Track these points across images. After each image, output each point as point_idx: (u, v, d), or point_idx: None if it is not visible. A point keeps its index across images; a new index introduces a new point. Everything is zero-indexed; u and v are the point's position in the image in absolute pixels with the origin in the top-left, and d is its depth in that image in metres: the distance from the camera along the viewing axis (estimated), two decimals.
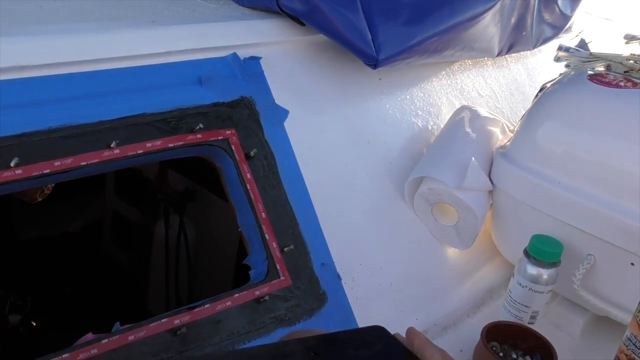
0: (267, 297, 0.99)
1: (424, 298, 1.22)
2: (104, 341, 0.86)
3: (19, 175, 0.85)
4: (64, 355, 0.82)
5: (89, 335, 0.89)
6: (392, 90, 1.38)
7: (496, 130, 1.40)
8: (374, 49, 1.17)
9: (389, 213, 1.27)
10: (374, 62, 1.19)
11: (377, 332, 0.67)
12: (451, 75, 1.57)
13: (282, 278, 1.03)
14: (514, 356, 1.08)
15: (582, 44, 1.75)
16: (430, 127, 1.43)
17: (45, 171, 0.88)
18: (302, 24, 1.19)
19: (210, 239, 2.24)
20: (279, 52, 1.20)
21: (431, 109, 1.46)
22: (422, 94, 1.46)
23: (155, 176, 2.23)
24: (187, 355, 0.90)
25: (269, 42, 1.19)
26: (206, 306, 0.94)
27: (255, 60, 1.15)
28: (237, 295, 0.97)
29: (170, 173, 2.20)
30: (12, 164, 0.84)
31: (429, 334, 1.16)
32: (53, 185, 1.47)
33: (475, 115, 1.41)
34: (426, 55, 1.30)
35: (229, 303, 0.96)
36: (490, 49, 1.55)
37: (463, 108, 1.46)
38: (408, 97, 1.42)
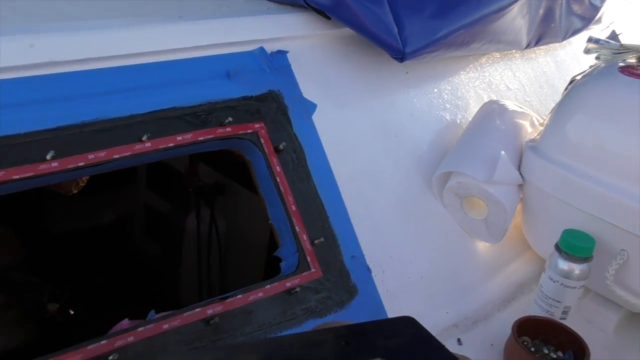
0: (298, 289, 1.00)
1: (454, 292, 1.22)
2: (139, 329, 0.88)
3: (55, 168, 0.88)
4: (101, 342, 0.84)
5: (125, 322, 0.92)
6: (419, 83, 1.38)
7: (525, 124, 1.39)
8: (400, 42, 1.16)
9: (418, 206, 1.27)
10: (400, 56, 1.18)
11: (407, 323, 0.67)
12: (479, 68, 1.56)
13: (312, 270, 1.03)
14: (546, 351, 1.07)
15: (613, 36, 1.71)
16: (458, 121, 1.42)
17: (79, 164, 0.90)
18: (328, 18, 1.19)
19: (240, 231, 2.26)
20: (306, 46, 1.21)
21: (459, 102, 1.45)
22: (449, 88, 1.45)
23: (186, 169, 2.25)
24: (221, 344, 0.91)
25: (296, 36, 1.19)
26: (238, 297, 0.96)
27: (282, 54, 1.15)
28: (268, 286, 0.98)
29: (201, 166, 2.22)
30: (48, 157, 0.87)
31: (459, 328, 1.16)
32: (88, 177, 1.50)
33: (503, 108, 1.40)
34: (453, 48, 1.29)
35: (260, 294, 0.97)
36: (518, 42, 1.53)
37: (491, 101, 1.45)
38: (436, 90, 1.41)
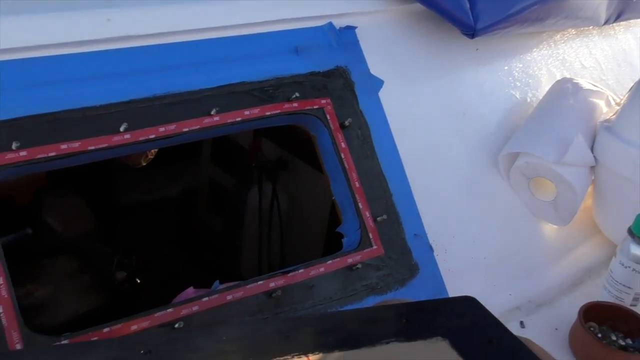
0: (359, 265, 1.01)
1: (518, 273, 1.20)
2: (204, 299, 0.90)
3: (127, 140, 0.90)
4: (168, 310, 0.87)
5: (190, 290, 0.94)
6: (489, 60, 1.34)
7: (600, 103, 1.34)
8: (471, 18, 1.14)
9: (484, 186, 1.25)
10: (471, 32, 1.16)
11: (468, 303, 0.66)
12: (552, 46, 1.50)
13: (374, 247, 1.03)
14: (614, 338, 1.04)
15: None
16: (529, 100, 1.38)
17: (150, 136, 0.92)
18: None
19: (301, 207, 2.28)
20: (375, 21, 1.19)
21: (530, 80, 1.41)
22: (521, 65, 1.41)
23: (250, 145, 2.28)
24: (282, 317, 0.93)
25: (365, 11, 1.18)
26: (300, 271, 0.97)
27: (350, 29, 1.14)
28: (330, 262, 0.99)
29: (264, 142, 2.25)
30: (121, 129, 0.89)
31: (523, 310, 1.15)
32: (156, 150, 1.54)
33: (577, 86, 1.35)
34: (526, 24, 1.25)
35: (322, 269, 0.98)
36: (596, 18, 1.47)
37: (564, 79, 1.40)
38: (506, 68, 1.37)
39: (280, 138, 2.22)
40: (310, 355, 0.55)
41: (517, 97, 1.36)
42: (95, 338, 0.83)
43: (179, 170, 2.85)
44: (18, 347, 0.79)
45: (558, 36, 1.52)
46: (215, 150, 2.65)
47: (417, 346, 0.59)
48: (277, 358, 0.54)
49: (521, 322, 1.12)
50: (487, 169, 1.26)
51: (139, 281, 1.77)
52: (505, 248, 1.21)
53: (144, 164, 1.61)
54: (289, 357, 0.55)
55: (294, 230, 2.33)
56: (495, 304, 0.67)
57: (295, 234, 2.33)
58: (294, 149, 2.19)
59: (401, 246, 1.06)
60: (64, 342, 0.81)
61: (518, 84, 1.38)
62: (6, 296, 0.79)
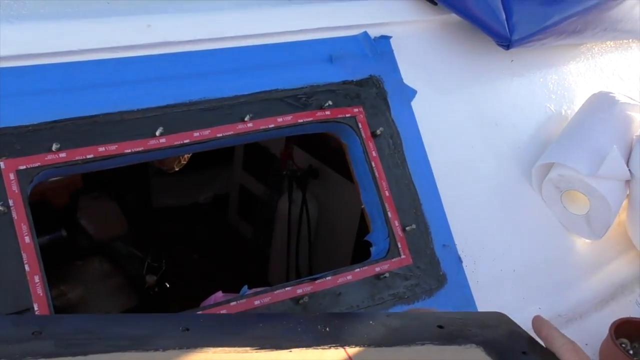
0: (387, 274, 1.01)
1: (548, 287, 1.18)
2: (232, 303, 0.91)
3: (162, 144, 0.92)
4: (197, 313, 0.88)
5: (219, 294, 0.95)
6: (524, 72, 1.33)
7: (637, 117, 1.32)
8: (507, 29, 1.13)
9: (515, 198, 1.24)
10: (507, 43, 1.15)
11: (500, 318, 0.67)
12: (590, 58, 1.49)
13: (402, 256, 1.03)
14: None
15: None
16: (563, 112, 1.37)
17: (185, 141, 0.94)
18: (435, 3, 1.18)
19: (330, 216, 2.28)
20: (410, 31, 1.20)
21: (566, 93, 1.39)
22: (556, 77, 1.39)
23: (281, 152, 2.30)
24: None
25: (400, 21, 1.19)
26: (328, 278, 0.97)
27: (385, 39, 1.15)
28: (357, 270, 0.99)
29: (296, 150, 2.26)
30: (157, 133, 0.91)
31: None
32: (190, 155, 1.56)
33: (614, 100, 1.33)
34: (563, 36, 1.24)
35: (349, 277, 0.98)
36: (636, 30, 1.45)
37: (601, 93, 1.38)
38: (541, 80, 1.36)
39: (312, 146, 2.24)
40: (347, 347, 0.57)
41: (552, 109, 1.35)
42: None
43: (211, 177, 2.89)
44: None
45: (596, 49, 1.51)
46: (247, 158, 2.68)
47: (451, 351, 0.60)
48: (316, 347, 0.55)
49: None
50: (518, 181, 1.25)
51: (168, 285, 1.78)
52: (535, 261, 1.20)
53: (177, 169, 1.63)
54: (326, 347, 0.56)
55: (323, 238, 2.34)
56: (524, 317, 0.67)
57: (323, 243, 2.34)
58: (325, 157, 2.20)
59: (429, 256, 1.06)
60: None
61: (553, 96, 1.37)
62: (41, 294, 0.81)
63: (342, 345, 0.57)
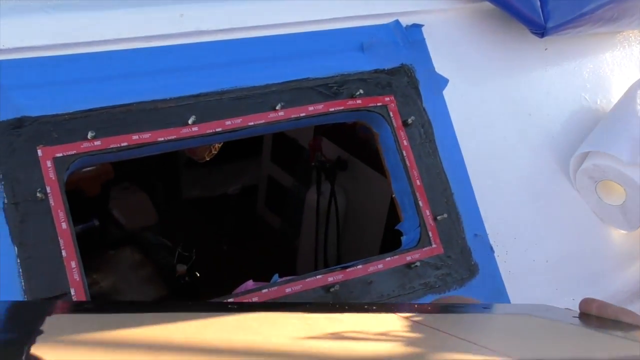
0: (418, 264, 1.00)
1: (581, 279, 1.17)
2: (264, 290, 0.92)
3: (195, 132, 0.93)
4: (229, 300, 0.89)
5: (250, 283, 0.96)
6: (558, 61, 1.31)
7: None
8: (542, 17, 1.12)
9: (548, 188, 1.22)
10: (541, 31, 1.14)
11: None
12: (627, 46, 1.45)
13: (433, 246, 1.03)
14: None
15: None
16: (598, 102, 1.34)
17: (217, 129, 0.95)
18: None
19: (359, 207, 2.28)
20: (442, 19, 1.19)
21: (601, 82, 1.37)
22: (591, 66, 1.37)
23: (310, 144, 2.30)
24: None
25: (432, 9, 1.18)
26: (358, 267, 0.97)
27: (417, 27, 1.14)
28: (388, 259, 0.99)
29: (324, 142, 2.27)
30: (189, 121, 0.92)
31: None
32: (220, 145, 1.57)
33: None
34: (600, 23, 1.22)
35: (380, 266, 0.99)
36: None
37: None
38: (576, 68, 1.34)
39: (340, 138, 2.24)
40: (399, 313, 0.57)
41: (587, 98, 1.33)
42: None
43: (240, 169, 2.91)
44: None
45: (633, 37, 1.48)
46: (276, 150, 2.69)
47: (504, 318, 0.60)
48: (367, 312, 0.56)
49: None
50: (551, 171, 1.23)
51: (198, 275, 1.80)
52: (569, 252, 1.18)
53: (208, 158, 1.64)
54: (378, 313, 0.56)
55: (351, 230, 2.34)
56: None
57: (352, 234, 2.34)
58: (353, 149, 2.20)
59: (461, 246, 1.05)
60: None
61: (588, 85, 1.34)
62: (78, 280, 0.83)
63: (394, 312, 0.57)
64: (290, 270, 2.46)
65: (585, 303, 0.64)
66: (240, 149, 2.66)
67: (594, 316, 0.62)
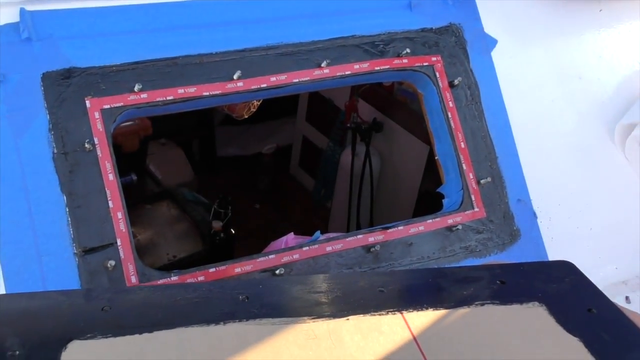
0: (459, 227, 1.00)
1: (626, 248, 1.15)
2: (304, 248, 0.92)
3: (240, 88, 0.93)
4: (270, 257, 0.90)
5: (291, 236, 0.97)
6: (613, 23, 1.26)
7: None
8: None
9: (596, 155, 1.19)
10: None
11: (567, 268, 0.64)
12: None
13: (476, 209, 1.02)
14: None
15: None
16: None
17: (262, 85, 0.94)
18: None
19: (393, 169, 2.27)
20: None
21: None
22: None
23: (346, 105, 2.28)
24: (379, 271, 0.93)
25: None
26: (399, 228, 0.97)
27: None
28: (430, 221, 0.99)
29: (360, 103, 2.24)
30: (235, 77, 0.92)
31: (629, 286, 1.10)
32: (259, 102, 1.57)
33: None
34: None
35: (421, 227, 0.98)
36: None
37: None
38: (632, 31, 1.29)
39: (377, 100, 2.21)
40: (404, 312, 0.56)
41: None
42: (201, 277, 0.87)
43: (275, 128, 2.91)
44: (133, 279, 0.84)
45: None
46: (311, 110, 2.67)
47: (512, 310, 0.58)
48: (372, 313, 0.55)
49: (627, 297, 1.08)
50: (600, 137, 1.20)
51: (233, 232, 1.82)
52: (614, 220, 1.16)
53: (247, 116, 1.64)
54: (383, 312, 0.55)
55: (385, 192, 2.33)
56: (599, 276, 0.65)
57: (385, 197, 2.33)
58: (390, 111, 2.17)
59: (504, 210, 1.04)
60: (174, 278, 0.86)
61: None
62: (124, 230, 0.84)
63: (400, 310, 0.55)
64: (323, 231, 2.47)
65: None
66: (275, 109, 2.65)
67: None
